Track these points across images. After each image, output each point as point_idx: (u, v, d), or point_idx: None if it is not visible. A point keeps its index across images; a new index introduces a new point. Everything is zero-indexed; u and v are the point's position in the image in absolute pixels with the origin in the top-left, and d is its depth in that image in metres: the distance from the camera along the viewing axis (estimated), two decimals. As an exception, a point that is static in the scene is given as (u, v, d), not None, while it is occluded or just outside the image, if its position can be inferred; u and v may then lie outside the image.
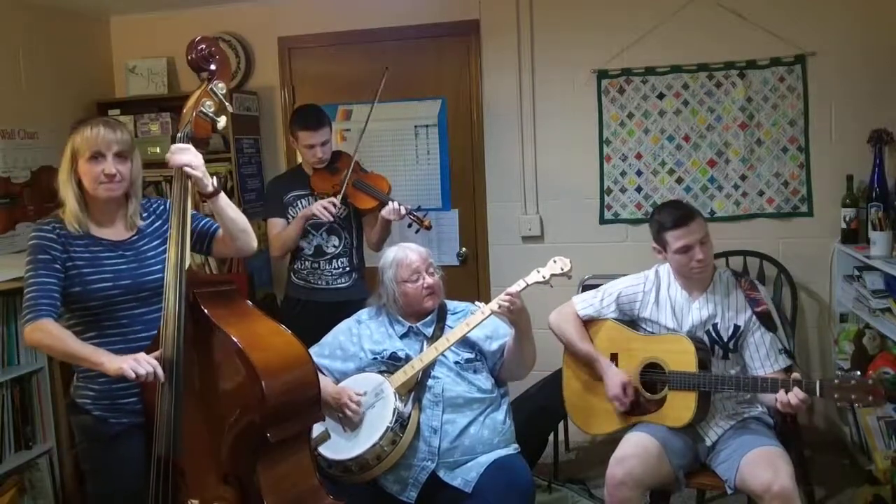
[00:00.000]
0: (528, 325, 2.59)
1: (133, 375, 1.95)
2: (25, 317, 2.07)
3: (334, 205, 3.19)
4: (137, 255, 2.21)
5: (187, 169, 2.04)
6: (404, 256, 2.72)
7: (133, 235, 2.23)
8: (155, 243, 2.25)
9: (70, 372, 2.32)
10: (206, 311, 2.02)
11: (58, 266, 2.11)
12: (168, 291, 2.01)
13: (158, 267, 2.20)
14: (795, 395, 2.25)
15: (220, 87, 2.10)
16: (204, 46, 2.08)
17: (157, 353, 2.01)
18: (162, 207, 2.32)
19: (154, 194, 4.05)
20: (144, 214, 2.28)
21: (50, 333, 2.05)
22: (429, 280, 2.70)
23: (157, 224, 2.29)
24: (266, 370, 1.95)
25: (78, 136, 2.15)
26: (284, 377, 2.02)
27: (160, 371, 1.98)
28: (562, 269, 2.58)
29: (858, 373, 2.29)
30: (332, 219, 3.20)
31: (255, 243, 2.31)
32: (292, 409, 2.05)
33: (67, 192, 2.16)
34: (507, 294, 2.50)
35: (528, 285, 2.55)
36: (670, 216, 2.57)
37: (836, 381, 2.24)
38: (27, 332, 2.07)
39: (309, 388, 2.10)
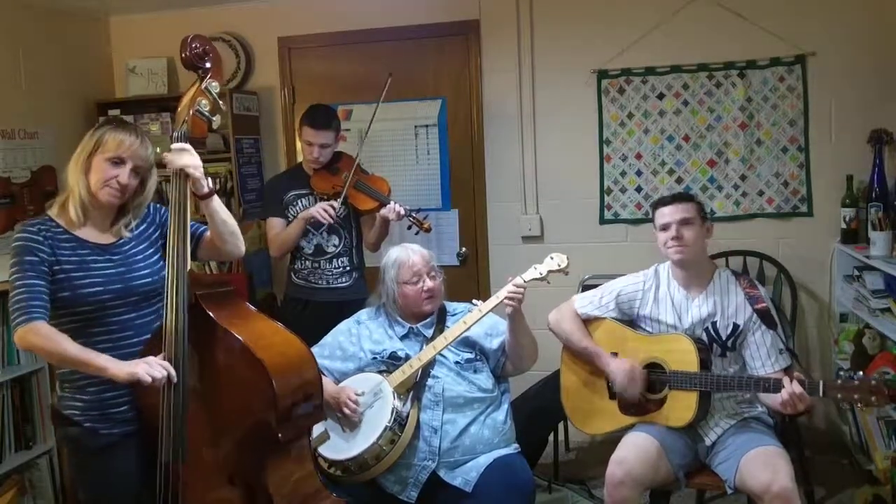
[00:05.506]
0: (523, 316, 2.60)
1: (149, 380, 1.90)
2: (17, 319, 1.95)
3: (334, 208, 3.19)
4: (125, 260, 2.14)
5: (189, 169, 2.03)
6: (407, 258, 2.72)
7: (119, 239, 2.16)
8: (142, 247, 2.19)
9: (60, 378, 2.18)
10: (209, 312, 2.02)
11: (45, 269, 2.01)
12: (169, 293, 1.98)
13: (147, 271, 2.16)
14: (794, 388, 2.25)
15: (214, 86, 2.09)
16: (198, 44, 2.06)
17: (160, 357, 1.98)
18: (146, 212, 2.25)
19: (154, 195, 4.06)
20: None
21: (46, 336, 1.94)
22: (429, 283, 2.70)
23: (142, 227, 2.22)
24: (275, 369, 1.96)
25: (109, 133, 2.07)
26: (292, 375, 2.03)
27: (173, 372, 1.95)
28: (559, 266, 2.59)
29: (861, 373, 2.29)
30: (331, 221, 3.20)
31: (243, 247, 2.26)
32: (299, 406, 2.06)
33: (78, 180, 2.07)
34: (515, 285, 2.51)
35: (525, 282, 2.56)
36: (663, 197, 2.68)
37: (839, 381, 2.24)
38: (20, 335, 1.95)
39: (314, 386, 2.12)
